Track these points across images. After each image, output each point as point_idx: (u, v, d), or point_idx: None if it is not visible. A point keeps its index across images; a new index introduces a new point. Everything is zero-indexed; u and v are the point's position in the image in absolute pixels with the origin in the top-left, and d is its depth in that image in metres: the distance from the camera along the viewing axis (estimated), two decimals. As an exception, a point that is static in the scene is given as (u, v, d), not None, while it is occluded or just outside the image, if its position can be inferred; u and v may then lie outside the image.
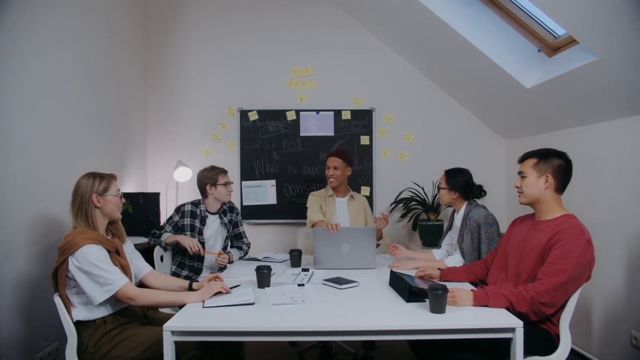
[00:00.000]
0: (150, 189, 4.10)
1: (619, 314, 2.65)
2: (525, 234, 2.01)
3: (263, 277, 2.14)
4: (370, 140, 4.13)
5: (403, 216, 4.03)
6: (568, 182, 1.96)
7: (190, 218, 2.82)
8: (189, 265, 2.81)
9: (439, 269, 2.31)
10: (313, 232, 2.61)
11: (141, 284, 2.17)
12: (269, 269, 2.15)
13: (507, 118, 3.82)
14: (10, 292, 2.32)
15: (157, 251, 2.72)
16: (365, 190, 4.10)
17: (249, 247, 3.07)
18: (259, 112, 4.12)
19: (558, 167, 1.93)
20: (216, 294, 1.94)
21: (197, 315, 1.76)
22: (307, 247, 3.22)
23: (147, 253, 2.59)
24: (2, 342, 2.25)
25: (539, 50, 3.08)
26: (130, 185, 3.77)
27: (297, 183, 4.12)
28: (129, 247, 2.20)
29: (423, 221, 3.89)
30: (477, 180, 2.63)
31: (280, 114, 4.11)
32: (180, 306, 1.89)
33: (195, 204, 2.88)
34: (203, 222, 2.85)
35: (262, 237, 4.10)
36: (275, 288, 2.11)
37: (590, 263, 1.83)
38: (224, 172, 2.90)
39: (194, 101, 4.18)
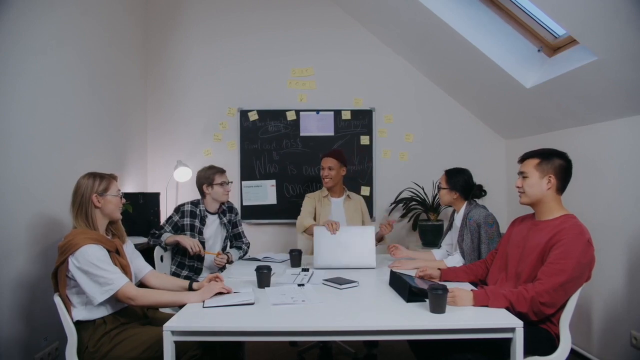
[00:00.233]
0: (150, 189, 4.10)
1: (619, 314, 2.65)
2: (525, 234, 2.01)
3: (263, 277, 2.14)
4: (370, 140, 4.13)
5: (403, 216, 4.03)
6: (568, 182, 1.96)
7: (190, 218, 2.82)
8: (188, 265, 2.80)
9: (439, 269, 2.31)
10: (314, 232, 2.62)
11: (141, 284, 2.17)
12: (269, 269, 2.16)
13: (507, 118, 3.82)
14: (10, 292, 2.32)
15: (157, 251, 2.72)
16: (365, 190, 4.10)
17: (248, 247, 3.07)
18: (259, 112, 4.12)
19: (559, 167, 1.93)
20: (216, 293, 1.94)
21: (197, 315, 1.76)
22: (307, 247, 3.22)
23: (147, 253, 2.58)
24: (2, 342, 2.25)
25: (539, 50, 3.08)
26: (130, 185, 3.77)
27: (297, 183, 4.12)
28: (129, 247, 2.20)
29: (423, 221, 3.89)
30: (477, 180, 2.63)
31: (280, 114, 4.11)
32: (180, 306, 1.89)
33: (195, 203, 2.87)
34: (203, 221, 2.85)
35: (262, 237, 4.10)
36: (275, 288, 2.11)
37: (590, 263, 1.83)
38: (221, 171, 2.89)
39: (194, 101, 4.18)
